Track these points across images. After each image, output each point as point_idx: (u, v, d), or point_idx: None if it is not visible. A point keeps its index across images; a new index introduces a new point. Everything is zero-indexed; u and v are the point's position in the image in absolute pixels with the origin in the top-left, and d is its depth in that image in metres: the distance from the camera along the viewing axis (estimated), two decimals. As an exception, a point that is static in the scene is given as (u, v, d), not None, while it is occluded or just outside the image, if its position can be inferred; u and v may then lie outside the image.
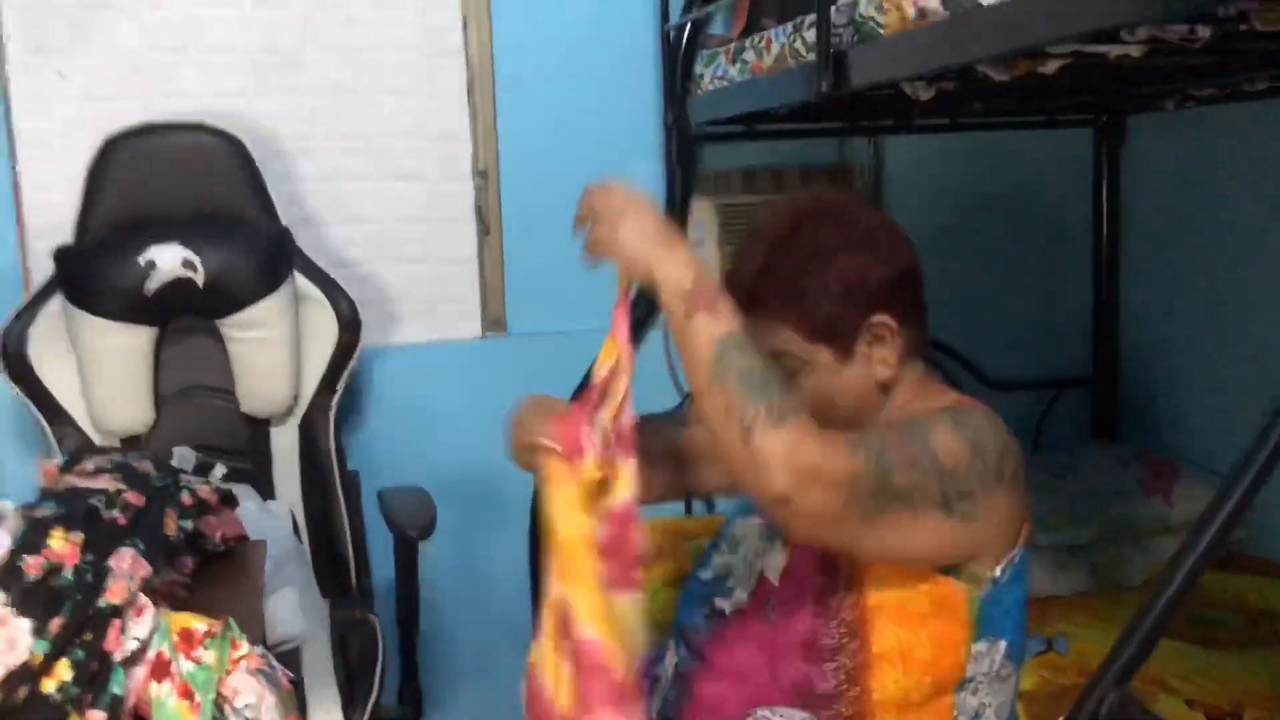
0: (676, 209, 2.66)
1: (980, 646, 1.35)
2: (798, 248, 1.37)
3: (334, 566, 2.30)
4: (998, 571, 1.34)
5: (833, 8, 1.75)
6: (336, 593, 2.28)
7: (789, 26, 2.02)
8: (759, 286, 1.36)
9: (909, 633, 1.33)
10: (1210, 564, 2.58)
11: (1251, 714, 1.93)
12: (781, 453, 1.13)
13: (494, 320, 2.65)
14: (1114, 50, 1.52)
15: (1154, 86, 2.36)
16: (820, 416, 1.26)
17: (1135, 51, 1.52)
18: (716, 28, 2.59)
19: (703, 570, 1.51)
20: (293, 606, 2.03)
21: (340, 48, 2.48)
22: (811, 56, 1.85)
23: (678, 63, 2.53)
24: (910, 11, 1.56)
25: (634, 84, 2.64)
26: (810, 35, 1.87)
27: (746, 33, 2.35)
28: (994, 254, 2.95)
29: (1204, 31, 1.39)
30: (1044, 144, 2.91)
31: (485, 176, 2.60)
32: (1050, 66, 1.64)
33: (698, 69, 2.51)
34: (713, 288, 1.20)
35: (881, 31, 1.65)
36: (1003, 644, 1.36)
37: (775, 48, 2.07)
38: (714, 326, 1.18)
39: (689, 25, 2.52)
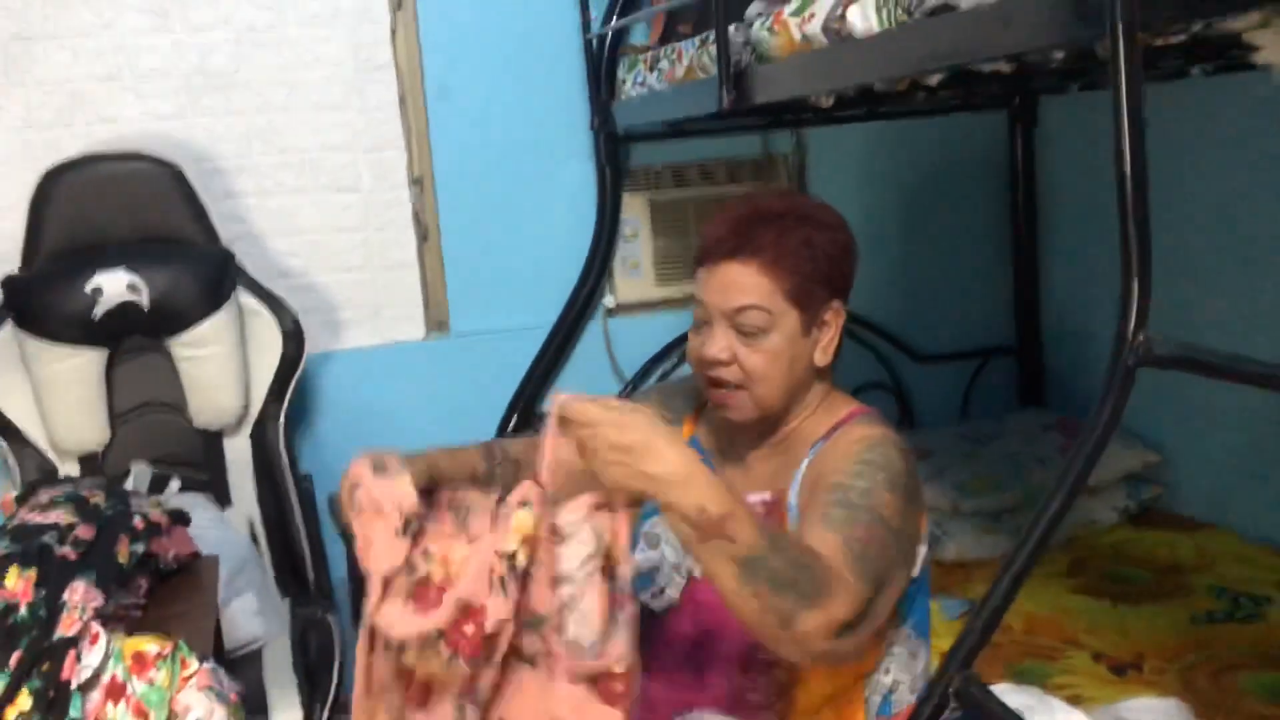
0: (608, 207, 2.76)
1: (891, 634, 1.43)
2: (793, 213, 1.42)
3: (292, 568, 2.41)
4: (916, 572, 1.42)
5: (731, 28, 1.85)
6: (296, 592, 2.39)
7: (697, 40, 2.12)
8: (753, 231, 1.38)
9: None
10: (1128, 522, 2.73)
11: (1151, 663, 2.08)
12: (823, 629, 1.15)
13: (437, 321, 2.74)
14: (985, 66, 1.63)
15: (1054, 77, 2.47)
16: (772, 382, 1.37)
17: (1005, 67, 1.63)
18: (638, 35, 2.69)
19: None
20: (252, 610, 2.14)
21: (273, 66, 2.55)
22: (716, 71, 1.95)
23: (600, 70, 2.63)
24: (796, 36, 1.66)
25: (561, 89, 2.72)
26: (715, 50, 1.97)
27: (664, 40, 2.45)
28: (917, 234, 3.07)
29: (1058, 54, 1.50)
30: (962, 127, 3.03)
31: (421, 184, 2.69)
32: (931, 80, 1.75)
33: (620, 74, 2.60)
34: (728, 512, 1.12)
35: (775, 54, 1.75)
36: (906, 627, 1.44)
37: (686, 59, 2.17)
38: (732, 549, 1.12)
39: (609, 35, 2.62)
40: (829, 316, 1.43)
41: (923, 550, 1.44)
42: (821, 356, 1.43)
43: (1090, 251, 2.99)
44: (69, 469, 2.29)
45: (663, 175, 2.86)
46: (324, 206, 2.62)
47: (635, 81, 2.49)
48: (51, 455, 2.29)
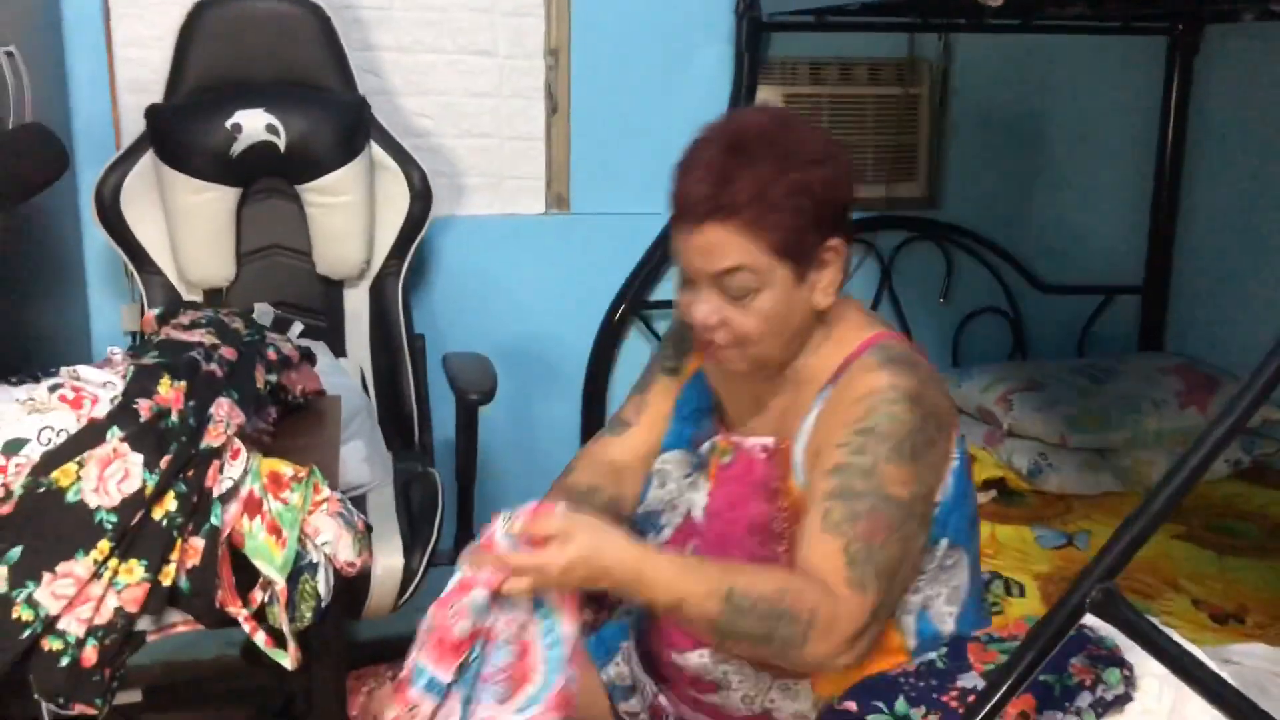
0: (742, 96, 2.70)
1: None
2: (775, 151, 1.28)
3: (399, 423, 2.45)
4: (944, 495, 1.36)
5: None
6: (400, 447, 2.43)
7: (863, -78, 2.03)
8: (731, 184, 1.26)
9: None
10: (1238, 476, 2.65)
11: (1254, 617, 2.03)
12: (828, 652, 1.21)
13: (557, 198, 2.73)
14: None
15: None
16: (767, 341, 1.31)
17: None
18: (794, -84, 2.59)
19: (641, 506, 1.54)
20: (361, 457, 2.18)
21: (421, -81, 2.52)
22: (882, -44, 1.87)
23: (751, -50, 2.55)
24: (981, -78, 1.58)
25: (707, -32, 2.65)
26: (883, -66, 1.89)
27: (823, -77, 2.35)
28: (1054, 157, 2.96)
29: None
30: (1117, 49, 2.89)
31: (556, 55, 2.65)
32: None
33: (771, -43, 2.52)
34: (678, 599, 1.21)
35: (953, -61, 1.67)
36: (943, 542, 1.38)
37: (848, -57, 2.09)
38: (702, 625, 1.23)
39: (765, -87, 2.52)
40: (828, 256, 1.33)
41: (954, 464, 1.36)
42: (823, 299, 1.34)
43: (1237, 193, 2.86)
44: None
45: (800, 70, 2.78)
46: (459, 69, 2.60)
47: (788, -34, 2.41)
48: (179, 286, 2.34)
